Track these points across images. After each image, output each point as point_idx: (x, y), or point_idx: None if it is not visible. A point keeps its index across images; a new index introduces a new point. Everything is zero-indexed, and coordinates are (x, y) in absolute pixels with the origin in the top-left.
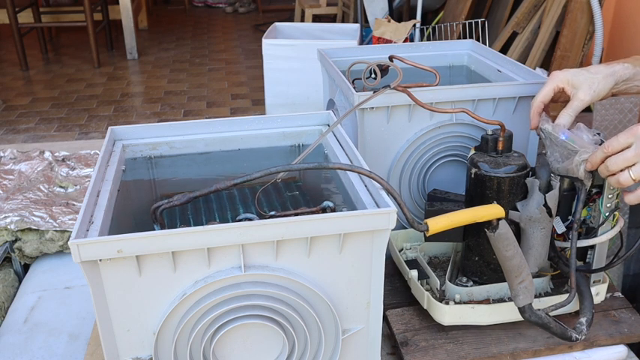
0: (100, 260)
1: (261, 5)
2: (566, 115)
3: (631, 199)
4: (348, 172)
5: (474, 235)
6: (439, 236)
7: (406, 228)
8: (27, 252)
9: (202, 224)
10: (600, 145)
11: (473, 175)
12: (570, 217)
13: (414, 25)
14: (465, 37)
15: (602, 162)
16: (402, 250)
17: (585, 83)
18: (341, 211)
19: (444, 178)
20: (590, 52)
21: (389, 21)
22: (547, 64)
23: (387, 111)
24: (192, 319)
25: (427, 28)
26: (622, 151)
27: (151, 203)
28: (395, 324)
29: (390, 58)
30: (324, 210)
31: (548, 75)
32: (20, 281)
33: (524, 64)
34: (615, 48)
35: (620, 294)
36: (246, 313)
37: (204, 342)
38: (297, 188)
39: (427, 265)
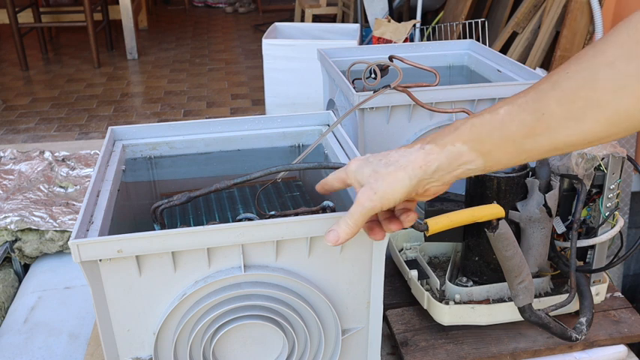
0: (100, 260)
1: (261, 5)
2: (343, 225)
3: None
4: None
5: (474, 235)
6: (439, 236)
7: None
8: (27, 252)
9: (202, 224)
10: None
11: (473, 175)
12: (570, 217)
13: (414, 25)
14: (465, 37)
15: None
16: (402, 250)
17: (368, 182)
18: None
19: None
20: None
21: (389, 21)
22: (547, 64)
23: (387, 111)
24: (192, 319)
25: (427, 28)
26: None
27: (151, 203)
28: (395, 324)
29: (390, 58)
30: (324, 210)
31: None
32: (20, 281)
33: (524, 64)
34: None
35: (620, 294)
36: (246, 313)
37: (204, 342)
38: (297, 188)
39: (427, 265)
